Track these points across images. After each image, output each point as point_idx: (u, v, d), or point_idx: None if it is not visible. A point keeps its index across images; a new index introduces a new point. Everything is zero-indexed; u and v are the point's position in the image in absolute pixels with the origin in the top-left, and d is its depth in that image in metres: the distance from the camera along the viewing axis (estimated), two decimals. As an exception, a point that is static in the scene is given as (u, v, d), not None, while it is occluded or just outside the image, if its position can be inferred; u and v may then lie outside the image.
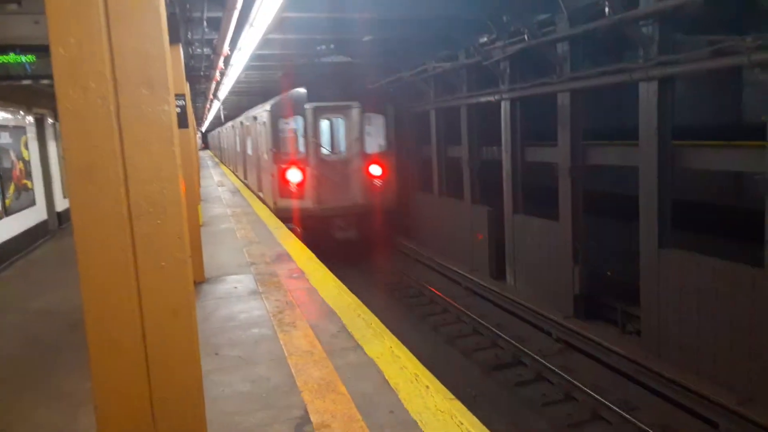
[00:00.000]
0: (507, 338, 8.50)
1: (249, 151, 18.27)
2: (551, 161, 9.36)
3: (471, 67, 11.17)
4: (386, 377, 3.98)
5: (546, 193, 10.54)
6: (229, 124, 28.08)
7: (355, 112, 13.20)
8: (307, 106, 13.02)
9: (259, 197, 15.70)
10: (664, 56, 6.86)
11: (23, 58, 4.77)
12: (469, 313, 9.71)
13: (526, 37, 9.04)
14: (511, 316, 9.63)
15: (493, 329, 8.90)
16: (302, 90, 13.23)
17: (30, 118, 9.98)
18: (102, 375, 2.39)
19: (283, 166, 13.06)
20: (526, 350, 8.03)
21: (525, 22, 9.06)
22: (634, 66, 7.33)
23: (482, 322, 9.24)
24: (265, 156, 14.15)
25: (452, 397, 3.69)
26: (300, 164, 13.04)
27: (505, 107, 10.30)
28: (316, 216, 12.92)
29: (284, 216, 12.38)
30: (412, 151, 14.76)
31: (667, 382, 6.62)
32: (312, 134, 13.03)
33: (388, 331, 4.93)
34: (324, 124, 13.30)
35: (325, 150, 13.21)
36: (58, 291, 6.66)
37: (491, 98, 10.66)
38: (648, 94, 7.15)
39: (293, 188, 13.01)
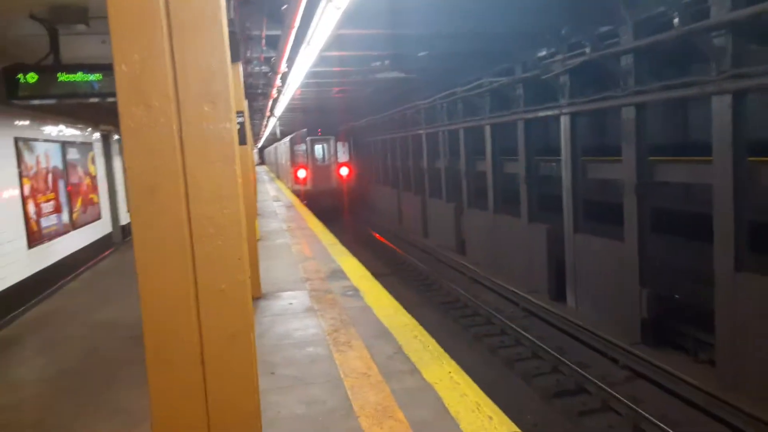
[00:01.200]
0: (569, 363, 8.10)
1: (283, 162, 32.03)
2: (615, 178, 8.98)
3: (528, 81, 10.92)
4: (446, 405, 3.79)
5: (606, 210, 10.15)
6: (276, 144, 41.52)
7: (332, 141, 25.33)
8: (308, 138, 25.12)
9: (287, 186, 27.70)
10: (738, 68, 6.46)
11: (90, 77, 4.90)
12: (527, 335, 9.36)
13: (587, 50, 8.76)
14: (573, 340, 9.20)
15: (554, 353, 8.51)
16: (305, 130, 25.03)
17: (97, 135, 10.37)
18: (160, 399, 2.33)
19: (296, 168, 25.03)
20: (589, 377, 7.61)
21: (586, 35, 8.78)
22: (706, 79, 6.94)
23: (542, 345, 8.87)
24: (288, 163, 26.84)
25: (518, 430, 3.47)
26: (304, 167, 24.94)
27: (564, 122, 9.98)
28: (312, 193, 24.29)
29: (296, 193, 23.07)
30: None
31: (747, 418, 6.12)
32: (310, 152, 24.96)
33: (446, 354, 4.74)
34: (317, 147, 25.24)
35: (317, 160, 25.20)
36: (120, 303, 6.80)
37: (550, 113, 10.37)
38: (721, 108, 6.75)
39: (300, 179, 24.90)
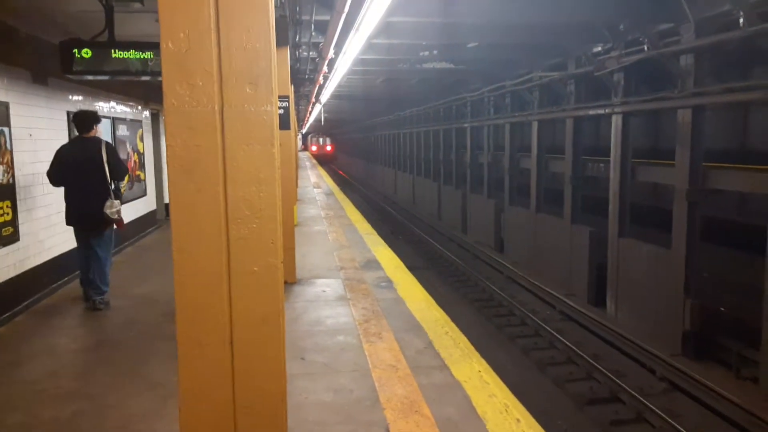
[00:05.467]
0: (604, 371, 7.89)
1: (308, 144, 64.74)
2: (666, 182, 8.67)
3: (580, 77, 10.63)
4: (473, 404, 3.73)
5: (653, 215, 9.83)
6: (307, 135, 66.32)
7: (326, 137, 60.66)
8: (317, 135, 60.67)
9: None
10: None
11: (143, 55, 4.98)
12: (562, 339, 9.16)
13: (645, 47, 8.45)
14: (610, 347, 8.96)
15: (589, 359, 8.31)
16: (315, 132, 59.61)
17: (146, 113, 10.59)
18: (188, 376, 2.35)
19: (311, 146, 61.68)
20: (625, 386, 7.40)
21: (644, 32, 8.46)
22: (770, 83, 6.62)
23: (577, 350, 8.66)
24: (310, 144, 63.05)
25: (546, 435, 3.39)
26: (315, 146, 60.41)
27: (616, 121, 9.68)
28: (317, 156, 57.19)
29: (313, 155, 56.99)
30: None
31: (792, 441, 5.86)
32: (317, 141, 60.73)
33: (476, 353, 4.67)
34: (320, 139, 60.59)
35: (319, 143, 60.72)
36: (160, 279, 6.95)
37: (602, 111, 10.07)
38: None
39: (313, 151, 60.21)
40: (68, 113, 7.00)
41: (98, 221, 5.70)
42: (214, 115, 2.19)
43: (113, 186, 5.79)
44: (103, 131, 8.22)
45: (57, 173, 5.68)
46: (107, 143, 5.89)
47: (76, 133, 5.99)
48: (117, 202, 5.74)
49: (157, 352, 4.68)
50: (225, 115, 2.20)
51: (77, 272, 7.14)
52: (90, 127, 5.82)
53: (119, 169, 5.89)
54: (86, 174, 5.64)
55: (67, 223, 5.88)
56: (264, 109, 2.24)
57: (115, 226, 5.89)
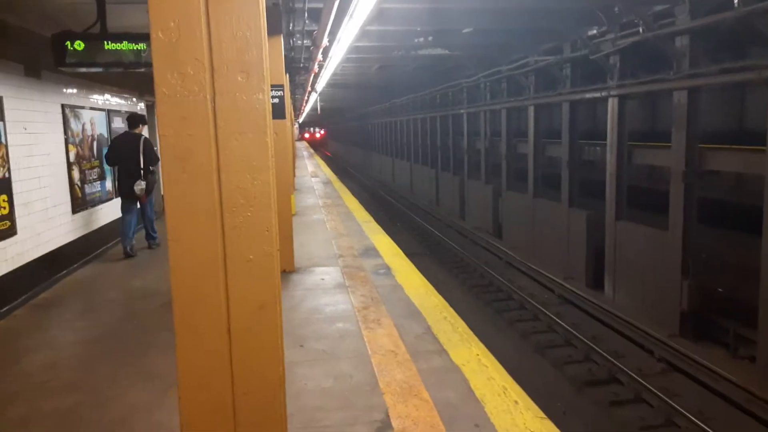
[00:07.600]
0: (603, 353, 7.95)
1: (303, 132, 73.68)
2: (662, 165, 8.67)
3: (576, 61, 10.59)
4: (472, 387, 3.77)
5: (649, 197, 9.84)
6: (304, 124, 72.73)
7: (317, 127, 75.79)
8: (310, 126, 74.51)
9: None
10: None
11: (135, 46, 4.95)
12: (561, 322, 9.21)
13: (640, 29, 8.41)
14: (608, 329, 9.01)
15: (588, 342, 8.37)
16: (309, 123, 72.18)
17: (141, 105, 10.55)
18: (187, 365, 2.37)
19: (305, 133, 74.75)
20: (623, 367, 7.46)
21: (639, 14, 8.42)
22: (765, 63, 6.59)
23: (576, 333, 8.72)
24: (305, 132, 75.83)
25: (543, 416, 3.42)
26: (309, 134, 76.01)
27: (612, 104, 9.65)
28: (311, 141, 72.28)
29: (307, 141, 70.97)
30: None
31: (788, 418, 5.92)
32: (309, 130, 75.87)
33: (475, 337, 4.71)
34: (312, 129, 76.04)
35: (312, 131, 76.66)
36: (156, 270, 6.98)
37: (598, 95, 10.04)
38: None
39: (306, 138, 73.43)
40: (63, 106, 6.98)
41: (134, 194, 7.62)
42: (206, 104, 2.19)
43: (148, 169, 7.70)
44: (99, 123, 8.25)
45: (111, 157, 7.74)
46: (145, 138, 7.75)
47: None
48: (143, 182, 7.60)
49: (156, 343, 4.70)
50: (217, 104, 2.20)
51: (75, 265, 7.20)
52: (135, 126, 7.73)
53: (151, 158, 7.72)
54: (127, 160, 7.57)
55: (117, 195, 8.03)
56: (256, 98, 2.23)
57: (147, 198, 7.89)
